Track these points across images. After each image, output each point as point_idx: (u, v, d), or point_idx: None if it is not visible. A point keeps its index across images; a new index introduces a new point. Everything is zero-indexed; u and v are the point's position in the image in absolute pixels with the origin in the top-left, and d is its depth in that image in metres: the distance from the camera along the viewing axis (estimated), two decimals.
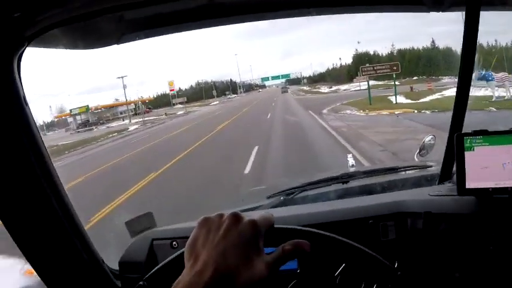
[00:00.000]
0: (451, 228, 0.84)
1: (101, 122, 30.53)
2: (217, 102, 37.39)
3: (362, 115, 11.86)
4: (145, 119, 27.44)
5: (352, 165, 1.18)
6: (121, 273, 0.96)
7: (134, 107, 33.85)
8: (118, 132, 20.81)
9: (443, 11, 0.98)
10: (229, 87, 45.97)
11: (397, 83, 15.51)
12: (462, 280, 0.83)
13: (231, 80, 46.78)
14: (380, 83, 24.76)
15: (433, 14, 0.98)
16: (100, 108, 32.77)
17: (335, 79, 36.15)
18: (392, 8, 0.98)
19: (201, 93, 44.15)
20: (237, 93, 44.91)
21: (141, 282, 0.57)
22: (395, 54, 29.96)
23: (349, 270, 0.82)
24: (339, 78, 35.14)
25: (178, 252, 0.55)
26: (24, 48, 0.73)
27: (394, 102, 13.52)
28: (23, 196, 0.72)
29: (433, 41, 28.42)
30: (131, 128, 23.11)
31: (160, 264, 0.60)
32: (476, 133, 0.86)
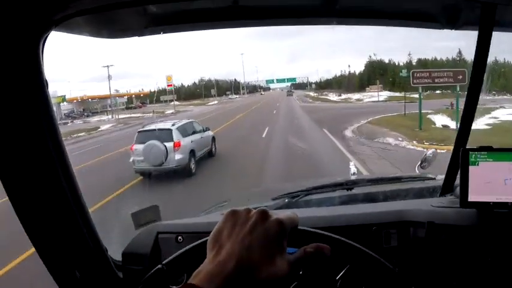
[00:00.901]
0: (452, 238, 0.87)
1: (85, 114, 26.99)
2: (216, 102, 34.89)
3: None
4: (129, 116, 23.66)
5: (354, 173, 1.21)
6: (124, 264, 0.96)
7: (127, 100, 31.30)
8: (87, 132, 16.83)
9: (456, 29, 1.03)
10: (233, 87, 44.02)
11: (416, 95, 12.07)
12: None
13: (235, 79, 44.66)
14: (396, 94, 22.58)
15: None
16: (87, 99, 29.07)
17: (344, 87, 34.34)
18: (406, 23, 1.02)
19: (202, 91, 42.14)
20: (239, 94, 42.59)
21: (160, 266, 0.59)
22: (414, 63, 27.55)
23: (351, 273, 0.85)
24: (348, 86, 33.44)
25: (201, 241, 0.56)
26: (50, 32, 0.76)
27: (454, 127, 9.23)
28: (37, 177, 0.74)
29: (459, 52, 25.19)
30: (104, 127, 19.07)
31: (181, 251, 0.61)
32: (481, 149, 0.90)
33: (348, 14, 0.94)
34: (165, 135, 6.31)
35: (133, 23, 0.94)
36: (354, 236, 0.79)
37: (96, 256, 0.88)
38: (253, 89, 45.01)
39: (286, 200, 1.17)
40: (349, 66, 42.90)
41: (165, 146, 5.97)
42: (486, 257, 0.86)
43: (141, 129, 6.77)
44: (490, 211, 0.88)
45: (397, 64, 30.43)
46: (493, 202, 0.88)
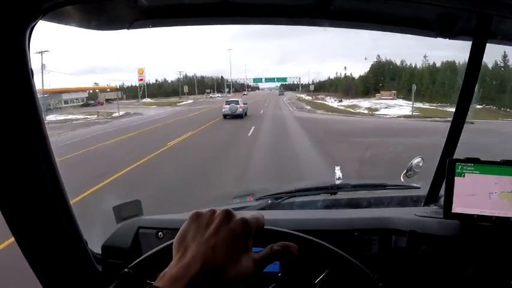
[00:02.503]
0: (434, 249, 0.87)
1: None
2: (191, 101, 29.17)
3: None
4: (73, 117, 18.45)
5: (339, 178, 1.22)
6: (103, 257, 0.95)
7: (87, 96, 25.18)
8: None
9: (450, 38, 1.03)
10: (220, 85, 39.59)
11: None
12: None
13: (222, 77, 40.49)
14: (426, 106, 18.30)
15: None
16: (44, 93, 23.09)
17: (343, 91, 29.47)
18: (401, 29, 1.01)
19: (179, 88, 37.24)
20: (223, 93, 36.97)
21: (126, 270, 0.59)
22: (437, 66, 21.72)
23: (330, 278, 0.86)
24: (348, 91, 28.60)
25: (167, 244, 0.56)
26: (38, 21, 0.76)
27: None
28: (19, 168, 0.73)
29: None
30: None
31: (147, 254, 0.61)
32: (468, 160, 0.91)
33: (342, 16, 0.93)
34: (235, 102, 15.28)
35: (122, 15, 0.94)
36: (335, 241, 0.79)
37: (76, 248, 0.87)
38: (240, 87, 41.05)
39: (270, 201, 1.17)
40: (345, 68, 38.78)
41: (236, 106, 14.68)
42: (467, 270, 0.85)
43: (227, 100, 16.05)
44: (473, 224, 0.88)
45: (413, 67, 24.56)
46: (476, 215, 0.87)
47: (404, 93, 22.17)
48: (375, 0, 0.92)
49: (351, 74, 33.02)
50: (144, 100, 28.24)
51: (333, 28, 1.05)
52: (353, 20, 0.95)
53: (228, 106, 14.54)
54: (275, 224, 0.87)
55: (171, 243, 0.46)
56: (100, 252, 0.98)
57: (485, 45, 0.97)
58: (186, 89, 32.84)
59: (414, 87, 18.05)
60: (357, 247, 0.89)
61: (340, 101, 26.93)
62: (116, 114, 18.56)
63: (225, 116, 14.33)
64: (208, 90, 38.19)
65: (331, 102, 27.04)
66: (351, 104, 23.88)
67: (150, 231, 0.96)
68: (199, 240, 0.43)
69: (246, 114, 15.06)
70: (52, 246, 0.82)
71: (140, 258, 0.60)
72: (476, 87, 0.97)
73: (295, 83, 38.89)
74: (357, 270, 0.61)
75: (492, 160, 0.88)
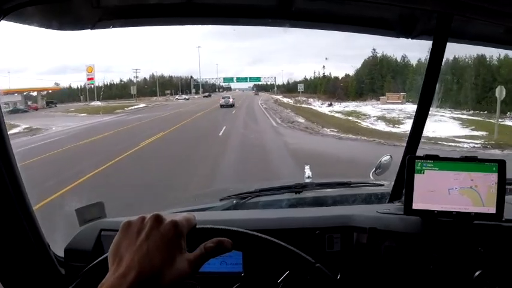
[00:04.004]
0: (395, 245, 0.88)
1: None
2: (143, 105, 25.29)
3: None
4: None
5: (309, 177, 1.24)
6: (66, 260, 0.94)
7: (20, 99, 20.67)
8: None
9: (412, 38, 1.06)
10: (181, 86, 36.33)
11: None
12: None
13: (191, 77, 37.46)
14: (456, 115, 14.76)
15: None
16: None
17: (328, 91, 25.60)
18: (364, 30, 1.03)
19: (153, 88, 34.32)
20: (189, 94, 34.16)
21: None
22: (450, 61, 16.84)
23: (293, 278, 0.87)
24: (333, 92, 24.63)
25: (103, 257, 0.58)
26: None
27: None
28: None
29: None
30: None
31: (84, 270, 0.63)
32: (427, 157, 0.91)
33: (303, 17, 0.95)
34: (227, 97, 21.81)
35: (86, 16, 0.94)
36: (298, 239, 0.80)
37: (38, 252, 0.86)
38: (210, 88, 38.49)
39: (234, 201, 1.17)
40: (323, 67, 33.39)
41: (229, 100, 21.22)
42: (428, 265, 0.86)
43: (223, 96, 22.79)
44: (434, 219, 0.89)
45: (423, 61, 18.05)
46: (437, 211, 0.89)
47: (414, 96, 17.44)
48: (336, 1, 0.95)
49: (330, 74, 29.81)
50: (93, 103, 24.77)
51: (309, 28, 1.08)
52: (314, 20, 0.97)
53: (223, 100, 21.87)
54: (240, 224, 0.89)
55: (107, 256, 0.47)
56: (63, 256, 0.98)
57: (445, 44, 1.00)
58: (133, 90, 28.67)
59: (502, 91, 9.78)
60: (319, 245, 0.90)
61: (330, 104, 22.32)
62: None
63: (221, 106, 21.01)
64: (168, 92, 33.81)
65: (318, 106, 22.49)
66: (346, 109, 19.37)
67: (112, 233, 0.94)
68: (132, 248, 0.44)
69: (233, 105, 21.65)
70: (13, 249, 0.81)
71: (77, 281, 0.60)
72: (437, 86, 1.01)
73: (269, 83, 35.45)
74: (293, 255, 0.62)
75: (451, 157, 0.91)
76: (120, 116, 18.83)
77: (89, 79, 24.21)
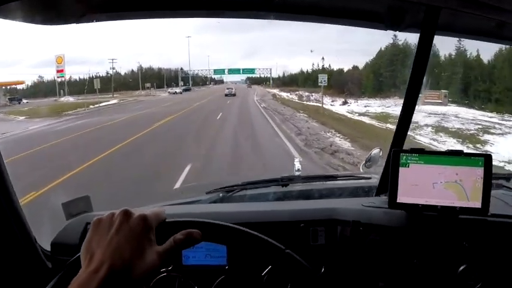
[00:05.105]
0: (379, 239, 0.87)
1: None
2: (114, 102, 22.34)
3: None
4: None
5: (298, 170, 1.25)
6: (53, 254, 0.94)
7: None
8: None
9: (400, 30, 1.04)
10: (165, 79, 33.00)
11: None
12: None
13: (181, 68, 34.00)
14: (478, 116, 12.39)
15: None
16: None
17: (336, 86, 21.03)
18: (351, 22, 1.02)
19: (133, 81, 30.90)
20: (173, 87, 30.66)
21: None
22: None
23: (276, 271, 0.89)
24: (341, 87, 20.13)
25: (75, 257, 0.59)
26: None
27: None
28: None
29: None
30: None
31: (68, 261, 0.63)
32: (412, 151, 0.90)
33: (288, 9, 0.93)
34: (231, 88, 24.69)
35: (69, 10, 0.95)
36: (282, 232, 0.80)
37: (25, 246, 0.86)
38: (201, 81, 36.17)
39: (221, 195, 1.17)
40: (322, 59, 30.18)
41: (231, 90, 23.91)
42: (412, 259, 0.86)
43: (227, 87, 25.95)
44: (418, 213, 0.89)
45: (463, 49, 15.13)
46: (421, 204, 0.89)
47: (459, 97, 14.23)
48: None
49: (329, 66, 27.16)
50: (63, 99, 21.92)
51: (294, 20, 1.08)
52: (300, 12, 0.96)
53: (227, 90, 24.33)
54: (225, 217, 0.90)
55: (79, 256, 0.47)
56: (50, 249, 0.99)
57: (433, 37, 0.99)
58: (97, 84, 23.28)
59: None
60: (303, 238, 0.90)
61: (345, 102, 17.80)
62: None
63: (226, 95, 23.14)
64: (148, 85, 30.34)
65: (330, 104, 17.74)
66: (370, 110, 14.89)
67: None
68: (102, 244, 0.45)
69: (235, 94, 23.59)
70: None
71: (51, 284, 0.61)
72: (424, 79, 1.01)
73: (264, 76, 31.92)
74: (263, 243, 0.63)
75: (437, 150, 0.92)
76: (56, 123, 13.41)
77: (58, 71, 20.52)
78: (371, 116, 13.87)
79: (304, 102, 19.39)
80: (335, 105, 17.71)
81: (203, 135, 9.46)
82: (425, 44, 0.99)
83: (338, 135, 9.27)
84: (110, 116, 14.60)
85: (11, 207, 0.83)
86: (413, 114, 1.02)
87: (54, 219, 1.07)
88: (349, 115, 14.37)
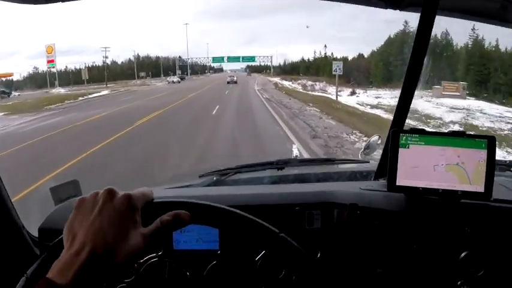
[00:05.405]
0: (378, 223, 0.84)
1: None
2: (106, 93, 20.45)
3: None
4: None
5: (296, 156, 1.23)
6: (40, 240, 0.91)
7: None
8: None
9: (400, 9, 1.00)
10: (162, 67, 32.01)
11: None
12: (383, 276, 0.84)
13: (180, 57, 33.80)
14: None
15: None
16: None
17: (347, 76, 17.96)
18: (351, 0, 1.03)
19: (130, 70, 30.27)
20: (170, 76, 29.70)
21: (23, 277, 0.59)
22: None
23: (270, 256, 0.85)
24: (346, 76, 17.62)
25: (58, 238, 0.57)
26: None
27: None
28: None
29: None
30: None
31: (54, 241, 0.62)
32: (412, 131, 0.86)
33: None
34: (232, 76, 26.37)
35: None
36: (277, 216, 0.77)
37: (11, 232, 0.84)
38: (200, 69, 35.43)
39: (215, 178, 1.14)
40: (325, 46, 31.80)
41: (233, 78, 25.63)
42: (412, 244, 0.83)
43: (229, 75, 27.17)
44: (418, 197, 0.86)
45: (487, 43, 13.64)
46: (422, 188, 0.85)
47: (473, 88, 12.98)
48: None
49: (332, 54, 26.58)
50: (54, 90, 20.47)
51: (301, 8, 1.04)
52: None
53: (229, 77, 25.76)
54: (218, 200, 0.86)
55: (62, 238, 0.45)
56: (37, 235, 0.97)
57: (434, 17, 0.96)
58: (85, 74, 21.71)
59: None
60: (298, 222, 0.86)
61: (353, 93, 16.26)
62: None
63: (228, 83, 24.59)
64: (142, 74, 29.94)
65: (338, 95, 15.73)
66: (382, 102, 13.83)
67: None
68: (85, 225, 0.43)
69: (236, 82, 25.00)
70: None
71: (36, 263, 0.59)
72: (425, 59, 0.98)
73: (264, 64, 30.95)
74: (256, 226, 0.60)
75: (438, 131, 0.88)
76: (29, 122, 11.46)
77: (49, 61, 19.64)
78: (385, 109, 11.65)
79: (310, 92, 17.57)
80: (342, 96, 16.03)
81: (193, 136, 7.57)
82: (426, 24, 0.96)
83: (365, 138, 6.74)
84: (90, 111, 12.56)
85: None
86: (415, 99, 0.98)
87: (44, 206, 1.03)
88: (361, 107, 12.66)
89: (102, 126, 9.68)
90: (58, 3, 0.92)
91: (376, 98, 14.92)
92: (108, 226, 0.42)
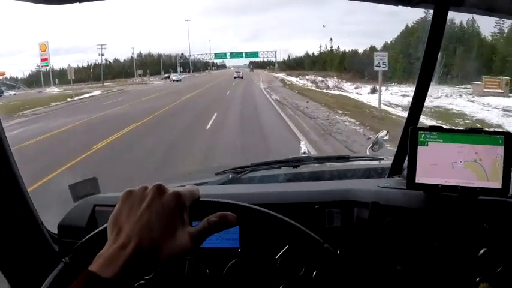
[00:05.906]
0: (397, 221, 0.84)
1: None
2: (98, 93, 19.34)
3: None
4: None
5: (304, 153, 1.23)
6: (59, 236, 0.92)
7: None
8: None
9: (412, 6, 0.98)
10: (162, 65, 31.77)
11: None
12: (403, 273, 0.83)
13: (182, 54, 34.16)
14: None
15: None
16: None
17: (355, 70, 17.95)
18: None
19: (131, 68, 29.71)
20: (170, 73, 29.11)
21: (63, 260, 0.59)
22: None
23: (291, 253, 0.81)
24: (361, 70, 16.82)
25: (102, 228, 0.57)
26: None
27: None
28: None
29: None
30: None
31: (83, 240, 0.60)
32: (431, 129, 0.85)
33: None
34: (239, 72, 28.38)
35: None
36: (296, 214, 0.74)
37: (31, 229, 0.84)
38: (203, 66, 35.29)
39: (230, 176, 1.13)
40: (331, 40, 31.42)
41: (239, 73, 27.89)
42: (432, 242, 0.82)
43: (236, 70, 29.43)
44: (438, 194, 0.85)
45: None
46: (441, 185, 0.85)
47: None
48: None
49: (338, 48, 26.14)
50: (48, 89, 19.58)
51: (304, 2, 1.05)
52: None
53: (236, 73, 27.18)
54: (235, 198, 0.87)
55: (106, 227, 0.44)
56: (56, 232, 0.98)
57: (447, 12, 0.96)
58: (71, 74, 18.70)
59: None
60: (318, 220, 0.85)
61: (374, 91, 13.94)
62: None
63: (235, 78, 26.07)
64: (140, 72, 28.69)
65: (356, 93, 14.14)
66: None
67: (106, 208, 0.92)
68: (132, 219, 0.42)
69: (242, 77, 26.51)
70: (4, 228, 0.81)
71: (76, 245, 0.59)
72: (439, 55, 0.98)
73: (267, 59, 30.29)
74: (301, 233, 0.60)
75: (456, 128, 0.89)
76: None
77: (42, 60, 18.44)
78: (427, 113, 8.70)
79: (325, 91, 14.75)
80: (362, 94, 13.67)
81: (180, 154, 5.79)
82: (439, 20, 0.96)
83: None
84: (61, 120, 10.33)
85: (17, 191, 0.81)
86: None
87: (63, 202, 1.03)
88: (392, 110, 10.23)
89: (47, 151, 6.86)
90: (75, 3, 0.92)
91: (403, 96, 12.64)
92: (156, 222, 0.42)
